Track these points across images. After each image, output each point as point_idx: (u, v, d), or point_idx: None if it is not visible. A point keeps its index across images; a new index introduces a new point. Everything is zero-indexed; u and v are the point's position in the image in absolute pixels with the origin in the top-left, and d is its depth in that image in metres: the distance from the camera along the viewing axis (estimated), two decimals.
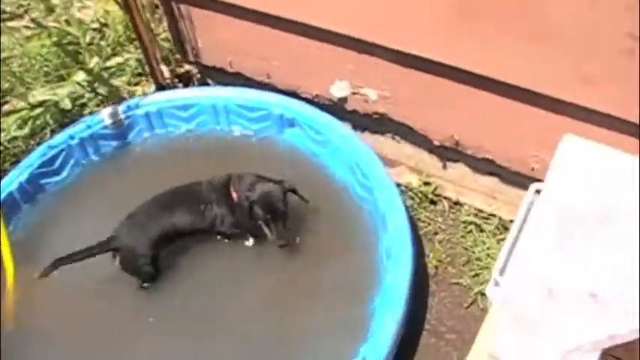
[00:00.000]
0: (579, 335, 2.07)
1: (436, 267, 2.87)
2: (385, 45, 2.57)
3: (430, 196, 3.03)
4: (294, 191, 2.71)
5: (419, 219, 3.01)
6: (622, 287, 1.96)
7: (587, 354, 2.09)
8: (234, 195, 2.71)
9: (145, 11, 3.30)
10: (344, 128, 2.97)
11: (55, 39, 3.49)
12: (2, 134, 3.25)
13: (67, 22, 3.59)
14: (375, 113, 2.91)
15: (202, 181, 2.80)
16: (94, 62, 3.34)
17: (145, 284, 2.73)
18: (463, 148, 2.76)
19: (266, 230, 2.66)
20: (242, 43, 3.01)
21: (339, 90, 2.88)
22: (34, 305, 2.73)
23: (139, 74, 3.42)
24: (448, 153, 2.88)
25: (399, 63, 2.62)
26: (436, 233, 2.97)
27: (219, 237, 2.84)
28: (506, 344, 2.21)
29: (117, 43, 3.53)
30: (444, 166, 2.96)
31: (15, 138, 3.31)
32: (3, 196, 2.92)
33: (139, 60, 3.35)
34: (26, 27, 3.78)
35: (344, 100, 2.93)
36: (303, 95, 3.07)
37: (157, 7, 3.27)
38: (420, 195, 3.04)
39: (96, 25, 3.69)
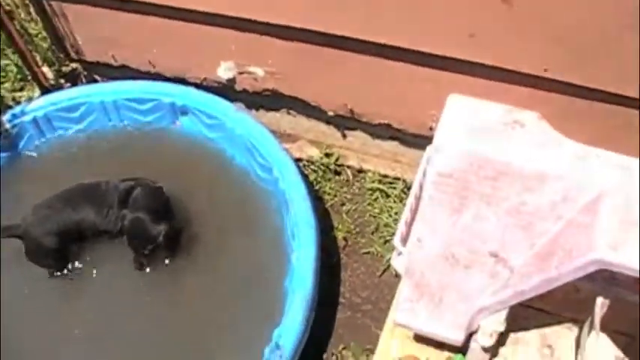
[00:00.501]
0: (485, 297, 2.09)
1: (345, 238, 2.86)
2: (265, 20, 2.50)
3: (333, 166, 3.02)
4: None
5: (324, 192, 2.99)
6: (519, 244, 1.98)
7: (494, 313, 2.12)
8: None
9: (19, 12, 3.15)
10: (235, 110, 2.90)
11: None
12: None
13: None
14: (266, 90, 2.85)
15: (109, 181, 2.72)
16: None
17: (53, 272, 2.68)
18: (359, 115, 2.74)
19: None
20: (121, 34, 2.90)
21: (225, 71, 2.81)
22: None
23: (21, 79, 3.25)
24: (346, 122, 2.85)
25: (281, 37, 2.57)
26: (343, 204, 2.96)
27: None
28: (414, 315, 2.22)
29: None
30: (344, 136, 2.94)
31: None
32: None
33: (18, 65, 3.19)
34: None
35: (232, 80, 2.86)
36: (191, 80, 3.00)
37: (27, 6, 3.10)
38: (322, 167, 3.02)
39: None
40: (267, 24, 2.51)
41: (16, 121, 3.04)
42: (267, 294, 2.56)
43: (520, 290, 1.98)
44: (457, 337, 2.20)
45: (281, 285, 2.51)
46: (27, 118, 3.06)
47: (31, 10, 3.02)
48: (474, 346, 2.28)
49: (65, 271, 2.70)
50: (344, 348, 2.56)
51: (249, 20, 2.52)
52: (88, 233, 2.69)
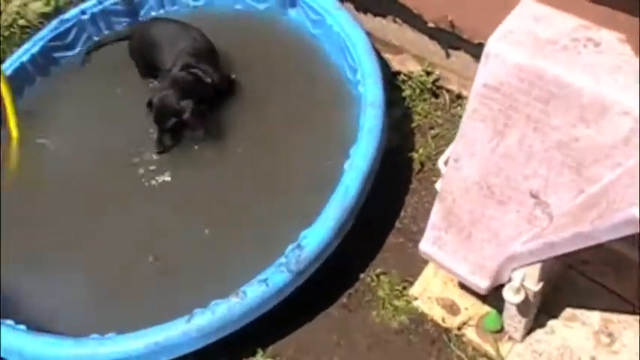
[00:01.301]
0: (516, 243, 1.81)
1: (422, 163, 2.64)
2: None
3: (430, 86, 2.76)
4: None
5: (415, 111, 2.78)
6: (565, 187, 1.67)
7: (526, 266, 1.84)
8: None
9: None
10: (337, 6, 2.75)
11: None
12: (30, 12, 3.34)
13: None
14: None
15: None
16: None
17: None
18: (459, 31, 2.46)
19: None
20: None
21: None
22: (36, 168, 2.83)
23: None
24: (449, 38, 2.58)
25: None
26: (431, 127, 2.73)
27: None
28: (439, 246, 1.99)
29: None
30: (447, 55, 2.67)
31: (43, 14, 3.36)
32: (14, 65, 2.99)
33: None
34: None
35: None
36: None
37: None
38: (420, 85, 2.78)
39: None
40: None
41: None
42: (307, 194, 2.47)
43: (550, 242, 1.68)
44: (480, 283, 1.94)
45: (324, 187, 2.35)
46: None
47: None
48: (508, 305, 2.01)
49: None
50: (383, 273, 2.37)
51: None
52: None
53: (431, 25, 2.55)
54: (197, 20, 3.05)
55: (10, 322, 2.22)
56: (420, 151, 2.65)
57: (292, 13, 2.98)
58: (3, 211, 2.62)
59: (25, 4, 3.40)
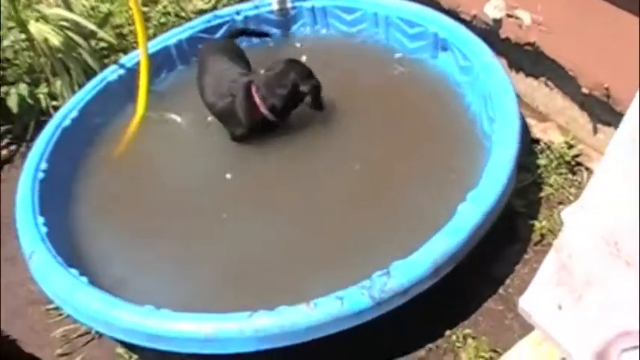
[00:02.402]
0: (634, 317, 1.54)
1: (542, 235, 2.40)
2: None
3: (569, 159, 2.54)
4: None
5: (547, 182, 2.55)
6: None
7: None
8: (258, 102, 2.66)
9: None
10: (491, 55, 2.61)
11: None
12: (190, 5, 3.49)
13: None
14: (528, 44, 2.52)
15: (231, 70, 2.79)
16: None
17: None
18: (614, 102, 2.25)
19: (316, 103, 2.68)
20: None
21: (494, 10, 2.55)
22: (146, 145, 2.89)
23: None
24: (600, 110, 2.38)
25: None
26: (561, 202, 2.49)
27: None
28: (542, 304, 1.74)
29: None
30: (595, 130, 2.46)
31: (201, 10, 3.50)
32: (159, 45, 3.09)
33: None
34: None
35: (498, 23, 2.59)
36: (462, 16, 2.80)
37: None
38: (557, 157, 2.57)
39: None
40: None
41: (297, 4, 3.16)
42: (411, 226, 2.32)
43: None
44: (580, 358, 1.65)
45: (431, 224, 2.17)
46: (307, 4, 3.18)
47: None
48: None
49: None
50: (472, 336, 2.15)
51: None
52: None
53: (584, 90, 2.35)
54: (343, 48, 3.07)
55: (74, 270, 2.21)
56: (544, 223, 2.42)
57: (442, 56, 2.87)
58: (107, 176, 2.73)
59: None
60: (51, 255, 2.30)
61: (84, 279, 2.22)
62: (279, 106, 2.65)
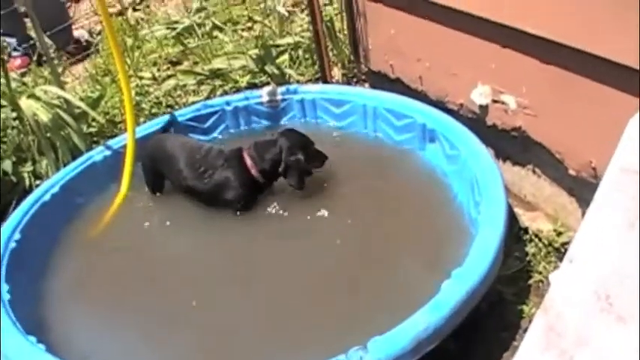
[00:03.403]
0: None
1: (532, 321, 2.26)
2: (528, 30, 2.23)
3: (558, 246, 2.48)
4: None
5: (536, 269, 2.47)
6: None
7: None
8: (249, 163, 2.69)
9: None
10: (478, 143, 2.61)
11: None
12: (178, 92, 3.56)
13: None
14: (514, 129, 2.52)
15: (214, 146, 2.82)
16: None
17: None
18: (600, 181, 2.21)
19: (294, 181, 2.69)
20: (404, 40, 2.90)
21: (480, 96, 2.58)
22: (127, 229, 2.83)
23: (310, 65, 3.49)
24: (589, 194, 2.32)
25: (540, 58, 2.26)
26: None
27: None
28: None
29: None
30: (583, 216, 2.39)
31: (193, 102, 3.55)
32: (146, 131, 3.11)
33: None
34: None
35: (485, 110, 2.60)
36: (450, 106, 2.82)
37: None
38: (546, 244, 2.51)
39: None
40: (530, 36, 2.23)
41: (287, 96, 3.19)
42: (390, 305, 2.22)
43: None
44: None
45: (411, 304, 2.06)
46: (297, 97, 3.20)
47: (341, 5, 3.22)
48: None
49: None
50: None
51: (513, 29, 2.28)
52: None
53: (572, 172, 2.33)
54: (332, 140, 3.08)
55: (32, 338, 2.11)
56: (533, 309, 2.30)
57: (430, 147, 2.86)
58: (80, 253, 2.68)
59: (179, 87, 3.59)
60: (10, 320, 2.18)
61: (41, 346, 2.08)
62: (269, 170, 2.68)
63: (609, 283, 1.44)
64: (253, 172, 2.69)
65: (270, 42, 3.61)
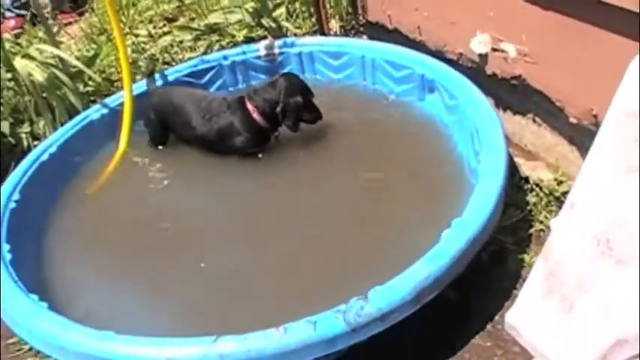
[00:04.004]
0: (631, 322, 1.41)
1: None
2: None
3: (559, 195, 2.46)
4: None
5: (537, 219, 2.46)
6: None
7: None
8: (251, 109, 2.71)
9: None
10: (478, 93, 2.58)
11: None
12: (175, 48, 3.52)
13: None
14: (514, 78, 2.48)
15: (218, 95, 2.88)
16: None
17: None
18: None
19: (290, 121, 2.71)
20: None
21: (479, 45, 2.54)
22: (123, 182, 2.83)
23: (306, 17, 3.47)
24: (589, 142, 2.30)
25: (541, 4, 2.21)
26: None
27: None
28: (531, 318, 1.61)
29: None
30: None
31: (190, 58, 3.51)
32: (144, 89, 3.07)
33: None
34: None
35: (484, 58, 2.57)
36: (449, 56, 2.79)
37: None
38: (547, 194, 2.49)
39: None
40: None
41: (284, 50, 3.15)
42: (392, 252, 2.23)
43: None
44: None
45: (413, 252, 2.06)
46: (294, 50, 3.16)
47: None
48: None
49: None
50: None
51: None
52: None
53: (573, 121, 2.30)
54: (331, 93, 3.03)
55: (34, 296, 2.11)
56: (534, 259, 2.28)
57: (429, 98, 2.83)
58: (80, 211, 2.67)
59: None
60: (12, 280, 2.18)
61: (43, 304, 2.09)
62: (269, 111, 2.68)
63: (609, 228, 1.43)
64: (255, 115, 2.71)
65: None
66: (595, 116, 2.21)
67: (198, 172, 2.79)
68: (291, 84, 2.70)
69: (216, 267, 2.32)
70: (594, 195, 1.48)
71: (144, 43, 3.81)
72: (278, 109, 2.68)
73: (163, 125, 2.90)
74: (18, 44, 3.60)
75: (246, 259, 2.32)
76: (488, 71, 2.60)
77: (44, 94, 3.08)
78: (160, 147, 2.94)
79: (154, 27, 4.01)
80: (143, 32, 3.91)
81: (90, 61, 3.31)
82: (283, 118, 2.70)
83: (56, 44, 3.18)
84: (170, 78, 3.16)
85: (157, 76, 3.12)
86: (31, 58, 3.12)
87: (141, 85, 3.11)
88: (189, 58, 3.46)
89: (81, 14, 4.48)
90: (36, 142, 3.14)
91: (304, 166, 2.70)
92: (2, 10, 4.58)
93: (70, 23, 4.33)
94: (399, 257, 2.08)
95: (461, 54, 2.70)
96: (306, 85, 2.76)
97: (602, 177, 1.46)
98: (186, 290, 2.27)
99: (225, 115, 2.73)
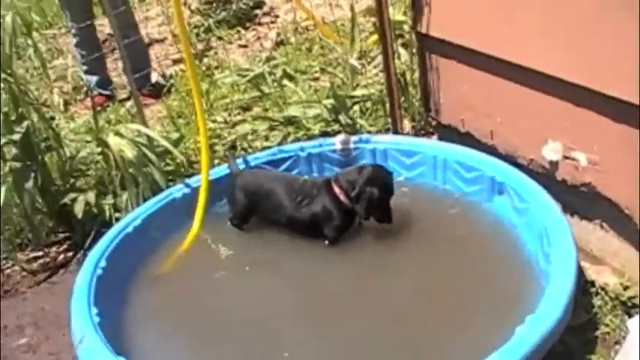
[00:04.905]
0: None
1: None
2: (601, 90, 2.34)
3: (625, 300, 2.53)
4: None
5: (603, 322, 2.52)
6: None
7: None
8: (337, 191, 2.86)
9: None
10: (546, 195, 2.71)
11: None
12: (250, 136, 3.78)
13: None
14: (583, 185, 2.61)
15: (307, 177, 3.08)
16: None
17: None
18: None
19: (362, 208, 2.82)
20: (475, 96, 3.03)
21: (551, 152, 2.68)
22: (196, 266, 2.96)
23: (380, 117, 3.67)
24: None
25: (612, 116, 2.37)
26: (617, 342, 2.43)
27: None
28: None
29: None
30: None
31: (265, 147, 3.72)
32: (222, 173, 3.29)
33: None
34: None
35: (555, 165, 2.70)
36: (520, 161, 2.91)
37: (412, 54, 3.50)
38: (612, 298, 2.56)
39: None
40: (602, 95, 2.35)
41: (360, 145, 3.33)
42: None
43: None
44: None
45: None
46: (369, 146, 3.33)
47: (414, 58, 3.38)
48: None
49: None
50: None
51: (586, 89, 2.40)
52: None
53: None
54: (404, 193, 3.16)
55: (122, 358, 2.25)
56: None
57: (498, 200, 2.96)
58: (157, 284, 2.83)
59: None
60: (101, 341, 2.32)
61: None
62: (356, 194, 2.80)
63: None
64: (341, 197, 2.84)
65: (343, 93, 3.78)
66: None
67: (270, 261, 2.93)
68: (375, 175, 2.85)
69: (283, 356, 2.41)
70: None
71: (220, 129, 4.05)
72: (354, 193, 2.80)
73: (250, 206, 3.05)
74: (108, 122, 3.87)
75: (313, 348, 2.42)
76: (558, 177, 2.72)
77: (130, 170, 3.28)
78: (243, 229, 3.09)
79: (229, 114, 4.25)
80: (219, 119, 4.15)
81: (175, 143, 3.53)
82: (356, 203, 2.82)
83: (145, 124, 3.42)
84: (250, 164, 3.34)
85: (238, 161, 3.31)
86: (121, 135, 3.35)
87: (218, 171, 3.31)
88: (265, 147, 3.66)
89: (159, 97, 4.76)
90: (117, 214, 3.32)
91: (374, 259, 2.82)
92: (91, 87, 4.92)
93: (146, 105, 4.59)
94: (472, 351, 2.16)
95: (532, 160, 2.84)
96: (390, 182, 2.89)
97: None
98: None
99: (318, 198, 2.87)
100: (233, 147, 3.80)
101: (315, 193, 2.89)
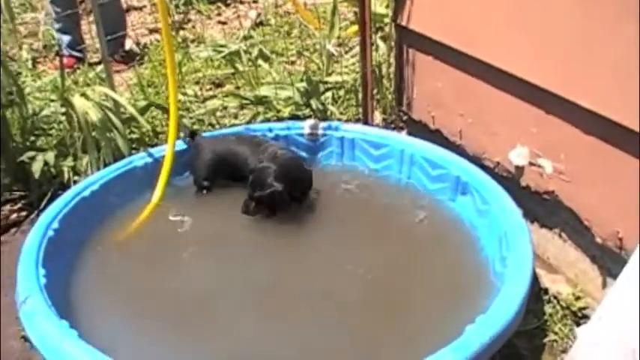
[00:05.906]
0: None
1: None
2: (571, 99, 2.36)
3: (575, 310, 2.57)
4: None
5: (552, 330, 2.55)
6: None
7: None
8: None
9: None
10: (510, 202, 2.71)
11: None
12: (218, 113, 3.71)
13: None
14: (547, 193, 2.63)
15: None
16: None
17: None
18: (627, 254, 2.32)
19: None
20: (448, 94, 3.02)
21: (518, 157, 2.69)
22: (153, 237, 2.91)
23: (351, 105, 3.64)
24: (611, 264, 2.44)
25: (582, 127, 2.39)
26: (564, 351, 2.46)
27: None
28: None
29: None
30: (604, 284, 2.51)
31: (234, 125, 3.68)
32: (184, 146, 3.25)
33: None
34: None
35: (521, 170, 2.72)
36: (486, 163, 2.93)
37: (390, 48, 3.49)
38: (564, 307, 2.60)
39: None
40: (574, 104, 2.36)
41: (328, 132, 3.31)
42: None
43: None
44: None
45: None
46: (337, 134, 3.31)
47: (392, 52, 3.37)
48: None
49: None
50: None
51: (559, 97, 2.41)
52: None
53: (598, 241, 2.43)
54: (366, 185, 3.18)
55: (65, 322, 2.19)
56: None
57: (461, 199, 2.96)
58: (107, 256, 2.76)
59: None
60: (45, 303, 2.26)
61: (73, 332, 2.15)
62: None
63: (635, 339, 1.53)
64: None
65: (317, 78, 3.75)
66: (620, 239, 2.34)
67: (234, 232, 2.90)
68: (280, 171, 2.87)
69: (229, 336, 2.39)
70: (625, 308, 1.58)
71: (189, 102, 3.98)
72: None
73: (216, 165, 3.07)
74: (75, 83, 3.77)
75: (261, 331, 2.39)
76: (523, 183, 2.74)
77: (94, 133, 3.21)
78: (209, 189, 3.09)
79: (200, 89, 4.19)
80: (190, 92, 4.08)
81: (142, 110, 3.46)
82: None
83: (114, 88, 3.34)
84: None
85: (203, 135, 3.26)
86: (87, 97, 3.27)
87: (181, 144, 3.24)
88: (233, 125, 3.62)
89: (131, 64, 4.68)
90: (76, 178, 3.25)
91: (321, 251, 2.80)
92: (63, 47, 4.80)
93: (118, 71, 4.50)
94: (420, 346, 2.16)
95: (498, 163, 2.85)
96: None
97: (633, 293, 1.57)
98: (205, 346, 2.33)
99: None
100: (200, 121, 3.73)
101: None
